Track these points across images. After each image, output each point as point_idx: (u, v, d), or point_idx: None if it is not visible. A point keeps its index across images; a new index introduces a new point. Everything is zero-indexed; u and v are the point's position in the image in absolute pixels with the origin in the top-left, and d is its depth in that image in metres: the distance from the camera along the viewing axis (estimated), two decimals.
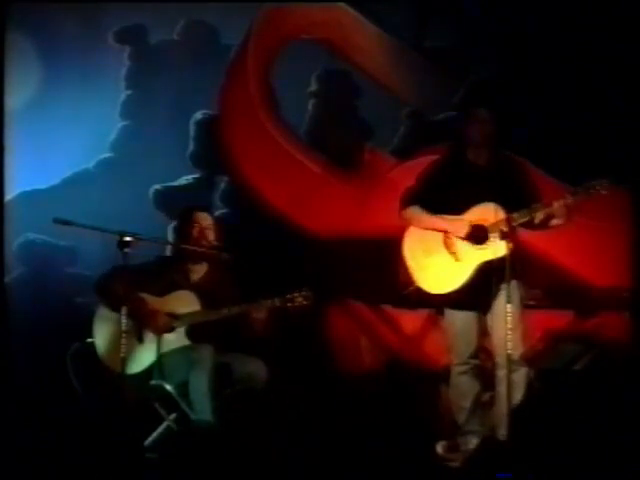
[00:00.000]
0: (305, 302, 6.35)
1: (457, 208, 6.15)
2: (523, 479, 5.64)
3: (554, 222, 6.07)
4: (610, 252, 7.62)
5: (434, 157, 6.45)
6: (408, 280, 6.26)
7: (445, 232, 6.17)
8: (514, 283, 5.99)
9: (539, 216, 6.02)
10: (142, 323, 6.28)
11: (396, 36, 8.19)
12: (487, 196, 6.07)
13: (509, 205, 6.03)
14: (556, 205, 5.98)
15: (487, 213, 6.07)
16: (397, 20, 8.16)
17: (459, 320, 6.20)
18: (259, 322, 6.31)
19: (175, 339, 6.31)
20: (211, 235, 6.51)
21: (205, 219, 6.56)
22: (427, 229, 6.22)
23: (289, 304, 6.34)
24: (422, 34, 8.18)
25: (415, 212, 6.24)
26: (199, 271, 6.53)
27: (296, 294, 6.35)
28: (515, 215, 5.98)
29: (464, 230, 6.09)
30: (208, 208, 6.90)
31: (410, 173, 6.52)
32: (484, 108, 6.22)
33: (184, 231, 6.54)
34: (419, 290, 6.23)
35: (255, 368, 6.33)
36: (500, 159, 6.22)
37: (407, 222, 6.29)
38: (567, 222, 6.09)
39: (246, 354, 6.43)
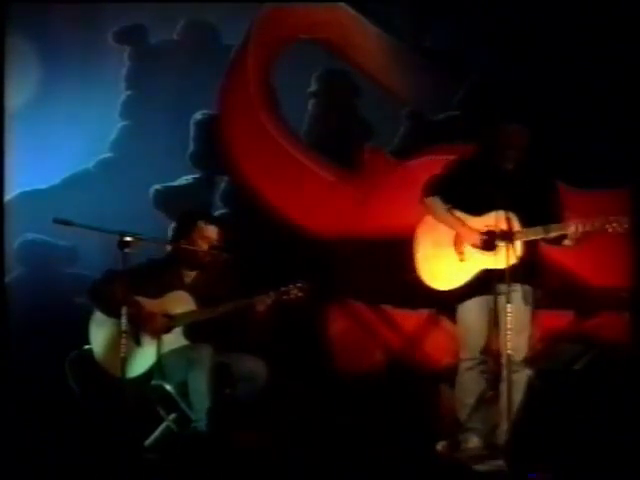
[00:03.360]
0: (300, 294, 6.33)
1: (477, 208, 6.16)
2: (523, 479, 5.64)
3: (565, 242, 6.10)
4: (610, 252, 7.61)
5: (438, 157, 6.45)
6: (411, 267, 6.26)
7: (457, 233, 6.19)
8: (528, 287, 6.03)
9: (553, 234, 6.06)
10: (139, 326, 6.27)
11: (396, 36, 8.19)
12: (509, 202, 6.04)
13: (530, 215, 6.03)
14: (572, 229, 6.00)
15: (502, 221, 6.06)
16: (397, 20, 8.17)
17: (471, 312, 6.20)
18: (256, 317, 6.30)
19: (173, 340, 6.30)
20: (214, 243, 6.47)
21: (213, 232, 6.50)
22: (441, 223, 6.23)
23: (284, 297, 6.33)
24: (422, 34, 8.18)
25: (435, 203, 6.24)
26: (192, 272, 6.51)
27: (291, 286, 6.33)
28: (528, 231, 6.00)
29: (475, 240, 6.10)
30: (215, 218, 6.81)
31: (410, 173, 6.52)
32: (518, 124, 6.20)
33: (186, 239, 6.47)
34: (417, 279, 6.24)
35: (255, 366, 6.32)
36: (529, 167, 6.22)
37: (425, 210, 6.29)
38: (576, 246, 6.12)
39: (246, 353, 6.42)
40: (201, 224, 6.49)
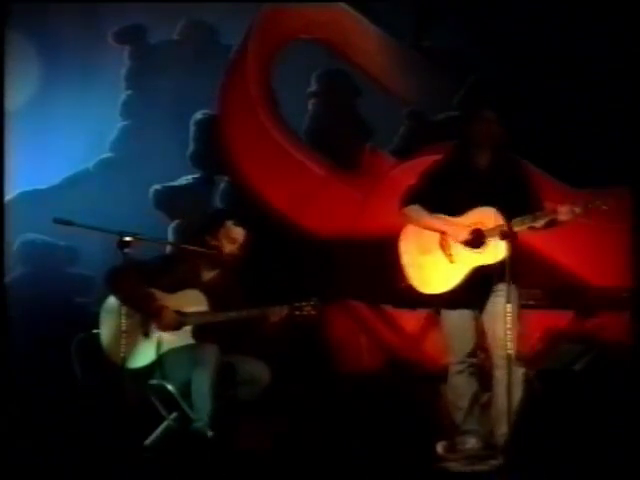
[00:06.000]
0: (313, 312, 6.30)
1: (457, 209, 6.13)
2: (523, 479, 5.65)
3: (555, 224, 6.07)
4: (610, 252, 7.61)
5: (435, 156, 6.43)
6: (401, 276, 6.25)
7: (443, 234, 6.15)
8: (512, 286, 5.98)
9: (540, 222, 6.01)
10: (150, 318, 6.25)
11: (396, 36, 8.20)
12: (487, 199, 6.05)
13: (510, 208, 6.00)
14: (562, 217, 5.97)
15: (486, 217, 6.05)
16: (397, 20, 8.17)
17: (455, 319, 6.18)
18: (269, 326, 6.26)
19: (180, 337, 6.27)
20: (239, 245, 6.42)
21: (240, 234, 6.43)
22: (425, 229, 6.21)
23: (297, 312, 6.29)
24: (422, 34, 8.19)
25: (415, 211, 6.22)
26: (210, 271, 6.48)
27: (304, 303, 6.29)
28: (516, 221, 5.95)
29: (463, 235, 6.08)
30: (244, 220, 6.74)
31: (410, 173, 6.50)
32: (489, 109, 6.19)
33: (212, 235, 6.41)
34: (410, 288, 6.22)
35: (258, 370, 6.30)
36: (503, 161, 6.19)
37: (406, 220, 6.28)
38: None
39: (249, 356, 6.40)
40: (229, 224, 6.42)
